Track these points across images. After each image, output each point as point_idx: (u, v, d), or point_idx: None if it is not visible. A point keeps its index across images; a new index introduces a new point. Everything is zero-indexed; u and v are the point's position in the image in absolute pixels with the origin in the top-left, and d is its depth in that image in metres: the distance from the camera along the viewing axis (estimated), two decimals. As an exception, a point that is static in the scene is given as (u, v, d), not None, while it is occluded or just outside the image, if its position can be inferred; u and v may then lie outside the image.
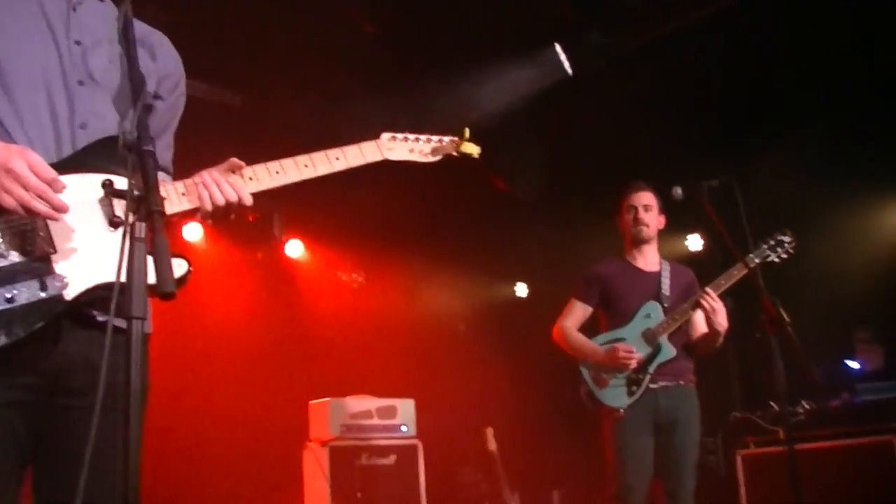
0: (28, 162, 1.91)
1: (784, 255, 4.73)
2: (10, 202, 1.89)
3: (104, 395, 1.64)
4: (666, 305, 4.84)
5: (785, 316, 4.44)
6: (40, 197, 1.90)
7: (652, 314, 4.82)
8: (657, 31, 6.20)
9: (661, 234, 5.13)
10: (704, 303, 4.64)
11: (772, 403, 5.71)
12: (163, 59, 2.38)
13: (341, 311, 9.15)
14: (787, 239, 4.74)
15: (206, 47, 5.98)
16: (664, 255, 5.12)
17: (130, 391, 1.59)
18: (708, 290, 4.67)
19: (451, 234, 8.62)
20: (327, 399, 6.64)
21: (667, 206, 5.00)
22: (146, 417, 1.99)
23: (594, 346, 4.86)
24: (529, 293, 9.66)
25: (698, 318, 4.83)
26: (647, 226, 4.98)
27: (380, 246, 8.81)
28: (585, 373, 4.83)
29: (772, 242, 4.73)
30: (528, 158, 7.67)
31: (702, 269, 5.12)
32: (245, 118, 7.15)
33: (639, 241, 5.01)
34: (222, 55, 6.26)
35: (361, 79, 6.93)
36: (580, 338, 4.95)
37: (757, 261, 4.64)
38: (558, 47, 6.59)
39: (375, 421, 6.67)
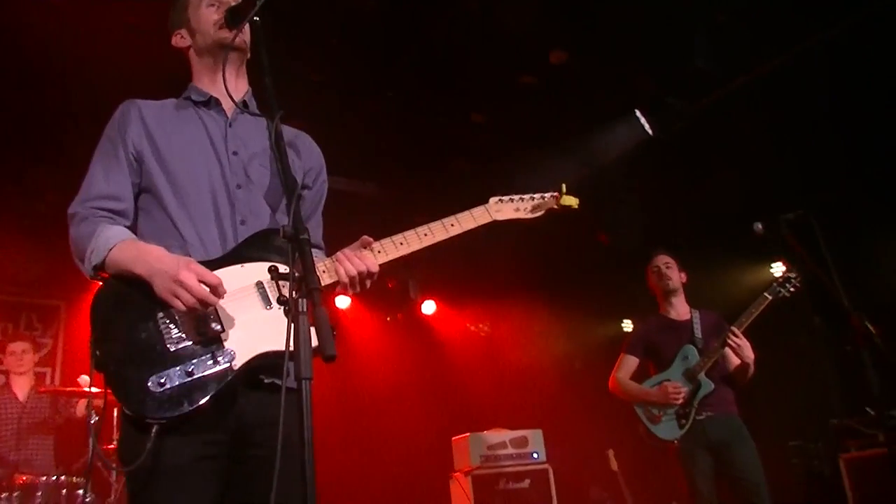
0: (196, 272, 1.99)
1: (792, 290, 4.70)
2: (179, 305, 1.98)
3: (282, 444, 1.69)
4: (700, 347, 4.87)
5: (872, 329, 4.25)
6: (203, 301, 1.98)
7: (689, 356, 4.87)
8: (727, 90, 6.08)
9: (748, 262, 5.02)
10: (730, 341, 4.66)
11: (868, 409, 5.44)
12: (307, 156, 2.46)
13: (473, 358, 9.25)
14: (793, 276, 4.72)
15: (345, 148, 6.25)
16: (745, 286, 5.05)
17: (304, 438, 1.61)
18: (733, 328, 4.68)
19: (562, 284, 8.60)
20: (467, 434, 6.68)
21: (752, 240, 4.94)
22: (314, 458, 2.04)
23: (646, 388, 4.95)
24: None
25: (730, 353, 4.79)
26: (671, 279, 5.10)
27: (501, 298, 8.89)
28: (640, 413, 4.91)
29: (781, 280, 4.74)
30: (624, 213, 7.60)
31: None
32: (379, 203, 7.39)
33: (667, 294, 5.12)
34: (359, 153, 6.50)
35: (473, 160, 7.07)
36: (632, 384, 5.02)
37: (770, 298, 4.67)
38: (638, 113, 6.58)
39: (510, 450, 6.65)
